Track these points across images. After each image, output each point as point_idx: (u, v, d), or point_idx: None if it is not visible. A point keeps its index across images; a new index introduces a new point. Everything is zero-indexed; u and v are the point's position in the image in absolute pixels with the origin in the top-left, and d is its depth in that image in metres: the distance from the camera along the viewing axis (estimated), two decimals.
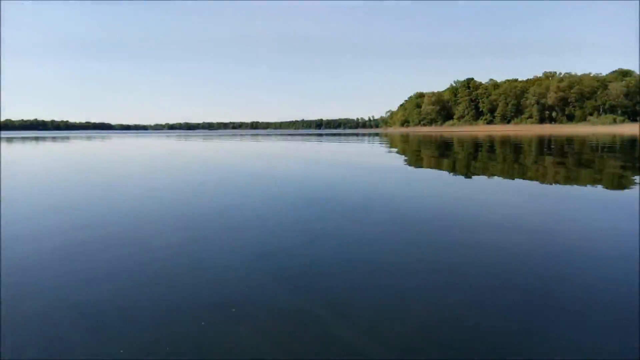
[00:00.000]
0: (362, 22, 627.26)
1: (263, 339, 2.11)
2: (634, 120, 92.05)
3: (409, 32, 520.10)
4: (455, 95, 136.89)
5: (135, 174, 10.15)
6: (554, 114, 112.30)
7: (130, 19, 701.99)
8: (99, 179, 9.16)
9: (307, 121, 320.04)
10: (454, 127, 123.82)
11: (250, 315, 2.37)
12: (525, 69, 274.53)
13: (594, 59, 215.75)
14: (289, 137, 51.90)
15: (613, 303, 2.48)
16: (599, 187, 7.24)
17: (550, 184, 7.76)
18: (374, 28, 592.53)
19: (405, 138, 43.01)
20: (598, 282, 2.82)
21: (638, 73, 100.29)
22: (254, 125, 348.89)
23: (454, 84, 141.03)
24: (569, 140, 29.59)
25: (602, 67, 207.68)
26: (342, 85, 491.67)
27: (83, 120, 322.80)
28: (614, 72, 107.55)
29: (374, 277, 2.94)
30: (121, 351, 2.01)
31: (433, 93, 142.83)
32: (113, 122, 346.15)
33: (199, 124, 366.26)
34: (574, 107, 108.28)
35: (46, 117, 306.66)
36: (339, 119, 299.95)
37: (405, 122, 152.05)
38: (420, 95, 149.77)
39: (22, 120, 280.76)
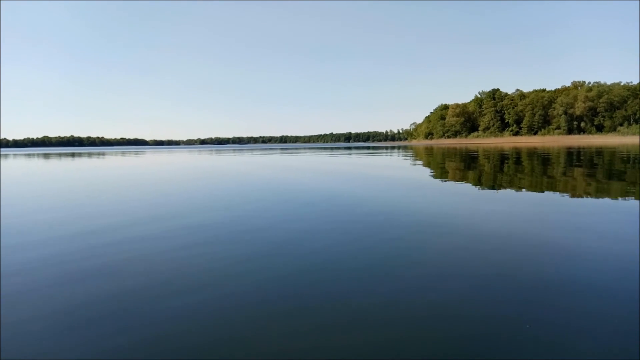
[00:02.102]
0: (389, 34, 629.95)
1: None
2: None
3: (437, 41, 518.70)
4: (480, 107, 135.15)
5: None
6: (582, 124, 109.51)
7: (157, 36, 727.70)
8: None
9: (335, 134, 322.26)
10: (478, 139, 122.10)
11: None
12: (552, 79, 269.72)
13: (624, 66, 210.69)
14: (321, 151, 52.28)
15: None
16: (632, 200, 7.25)
17: (582, 197, 7.82)
18: (400, 40, 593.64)
19: (429, 151, 42.91)
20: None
21: None
22: (283, 139, 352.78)
23: (479, 95, 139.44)
24: (599, 151, 28.97)
25: (633, 75, 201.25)
26: (371, 98, 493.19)
27: (118, 137, 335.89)
28: None
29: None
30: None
31: (457, 104, 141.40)
32: (147, 137, 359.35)
33: (229, 138, 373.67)
34: (603, 117, 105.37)
35: (82, 133, 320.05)
36: (368, 132, 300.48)
37: (429, 134, 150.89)
38: (445, 107, 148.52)
39: (59, 136, 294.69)
